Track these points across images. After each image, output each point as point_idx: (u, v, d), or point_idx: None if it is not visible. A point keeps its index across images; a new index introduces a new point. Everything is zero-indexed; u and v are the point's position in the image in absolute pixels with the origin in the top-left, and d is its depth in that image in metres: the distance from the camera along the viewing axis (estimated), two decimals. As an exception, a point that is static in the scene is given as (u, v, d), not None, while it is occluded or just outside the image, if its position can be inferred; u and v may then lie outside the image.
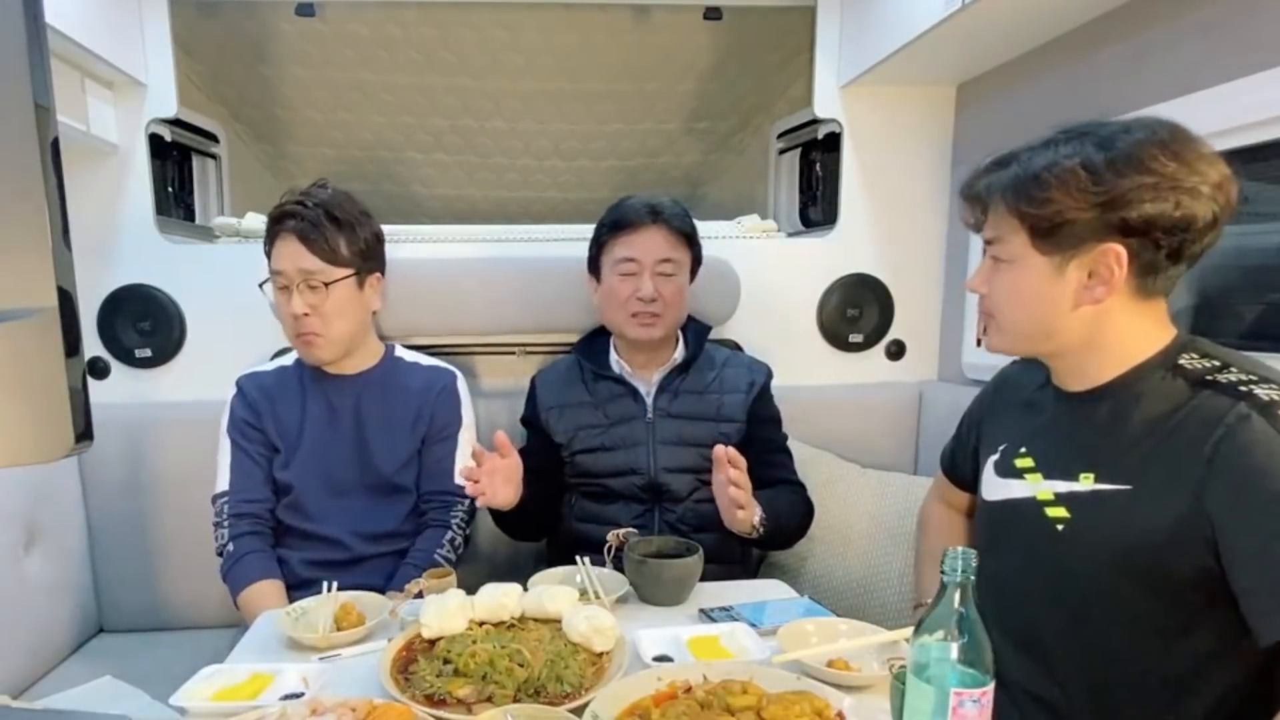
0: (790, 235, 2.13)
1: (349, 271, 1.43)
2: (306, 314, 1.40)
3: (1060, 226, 0.90)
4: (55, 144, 0.48)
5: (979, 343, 1.81)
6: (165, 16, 1.71)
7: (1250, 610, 0.83)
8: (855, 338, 1.98)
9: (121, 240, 1.75)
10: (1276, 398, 0.83)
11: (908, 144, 1.93)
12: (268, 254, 1.45)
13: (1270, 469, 0.80)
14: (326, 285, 1.41)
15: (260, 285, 1.48)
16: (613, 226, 1.50)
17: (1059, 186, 0.89)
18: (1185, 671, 0.91)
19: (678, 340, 1.58)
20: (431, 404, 1.54)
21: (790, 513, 1.46)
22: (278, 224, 1.42)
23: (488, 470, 1.25)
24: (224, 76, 2.01)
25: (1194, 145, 0.88)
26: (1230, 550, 0.83)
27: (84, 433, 0.51)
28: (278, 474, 1.49)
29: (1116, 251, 0.89)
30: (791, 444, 1.64)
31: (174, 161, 2.00)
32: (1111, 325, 0.94)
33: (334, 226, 1.41)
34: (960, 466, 1.27)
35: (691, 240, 1.53)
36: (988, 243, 1.01)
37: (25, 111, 0.47)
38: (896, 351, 2.01)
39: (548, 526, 1.56)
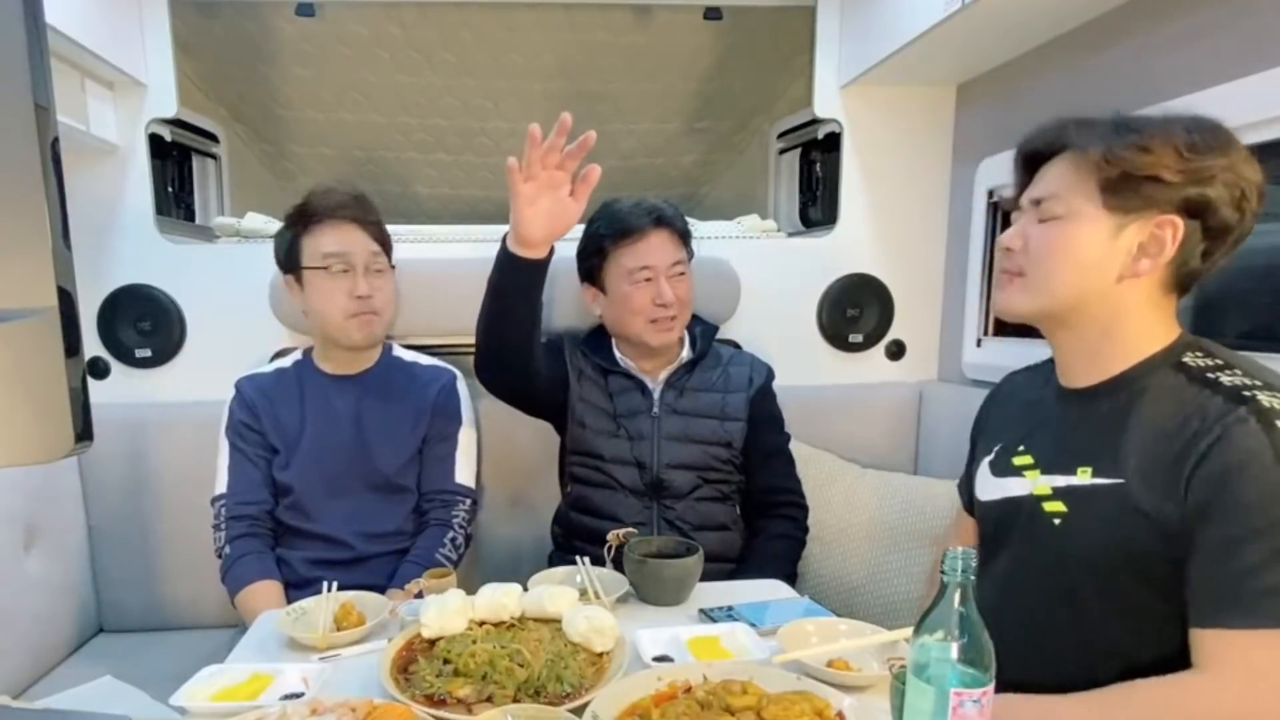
0: (790, 235, 2.13)
1: (390, 260, 1.54)
2: (370, 295, 1.46)
3: (1142, 182, 0.90)
4: (55, 144, 0.48)
5: (979, 343, 1.81)
6: (165, 16, 1.71)
7: (1191, 597, 0.86)
8: (855, 338, 1.98)
9: (121, 240, 1.75)
10: (1278, 405, 0.84)
11: (908, 144, 1.93)
12: (302, 246, 1.46)
13: (1251, 475, 0.81)
14: (389, 268, 1.53)
15: (286, 275, 1.50)
16: (617, 235, 1.48)
17: (1161, 139, 0.89)
18: (1185, 667, 0.90)
19: (683, 339, 1.58)
20: (432, 403, 1.55)
21: (789, 557, 1.55)
22: (330, 214, 1.46)
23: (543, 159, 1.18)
24: (224, 76, 2.01)
25: (1242, 147, 0.91)
26: (1195, 541, 0.85)
27: (84, 433, 0.51)
28: (278, 475, 1.49)
29: (1175, 224, 0.90)
30: (792, 444, 1.64)
31: (174, 161, 1.99)
32: (1131, 313, 0.95)
33: (377, 216, 1.52)
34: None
35: (688, 238, 1.55)
36: (1035, 203, 1.00)
37: (25, 111, 0.47)
38: (896, 351, 2.01)
39: (518, 373, 1.42)
